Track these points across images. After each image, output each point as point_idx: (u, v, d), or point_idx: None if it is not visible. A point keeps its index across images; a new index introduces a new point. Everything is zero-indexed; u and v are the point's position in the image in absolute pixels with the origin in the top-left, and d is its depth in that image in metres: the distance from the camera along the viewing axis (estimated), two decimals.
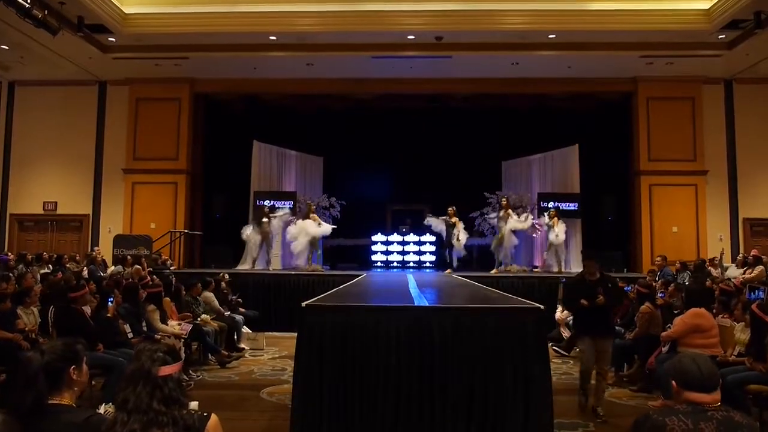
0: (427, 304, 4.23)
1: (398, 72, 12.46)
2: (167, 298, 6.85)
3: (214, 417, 1.99)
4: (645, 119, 12.68)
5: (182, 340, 6.32)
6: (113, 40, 11.20)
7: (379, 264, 14.71)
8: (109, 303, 5.40)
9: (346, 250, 14.76)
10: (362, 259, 14.57)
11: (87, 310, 5.46)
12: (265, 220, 11.71)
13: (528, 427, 3.56)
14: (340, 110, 13.77)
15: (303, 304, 3.81)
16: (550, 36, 10.87)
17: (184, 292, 7.42)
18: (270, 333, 8.91)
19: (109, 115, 13.31)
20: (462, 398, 3.68)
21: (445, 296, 5.08)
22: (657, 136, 12.62)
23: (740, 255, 10.88)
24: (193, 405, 2.28)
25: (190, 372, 6.31)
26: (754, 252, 10.92)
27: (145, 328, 5.97)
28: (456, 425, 3.66)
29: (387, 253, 14.83)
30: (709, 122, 12.73)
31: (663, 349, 5.52)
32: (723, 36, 10.79)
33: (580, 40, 11.00)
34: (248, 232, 11.76)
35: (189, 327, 6.52)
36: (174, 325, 6.49)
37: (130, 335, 5.58)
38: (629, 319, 6.93)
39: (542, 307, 3.82)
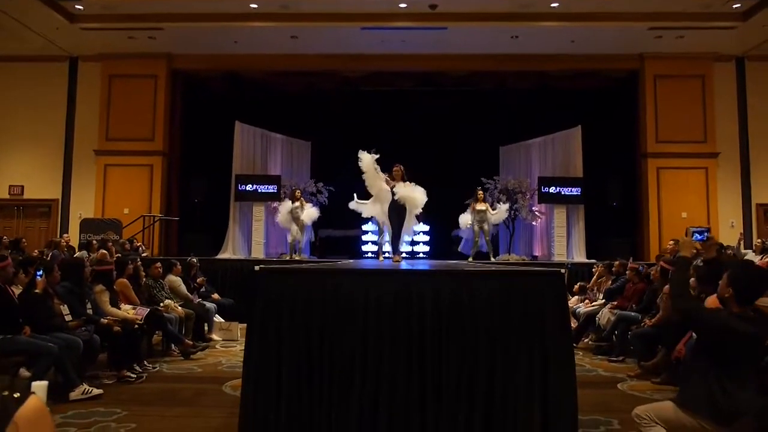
0: (417, 268, 3.41)
1: (389, 47, 11.65)
2: (123, 280, 6.00)
3: (33, 400, 1.14)
4: (652, 98, 11.91)
5: (137, 326, 5.47)
6: (80, 7, 10.37)
7: (370, 254, 13.90)
8: (38, 277, 4.55)
9: (335, 241, 13.93)
10: (353, 249, 13.76)
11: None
12: (296, 204, 10.81)
13: (548, 422, 2.75)
14: (328, 90, 12.94)
15: (257, 268, 2.98)
16: (553, 5, 10.10)
17: (143, 275, 6.56)
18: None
19: (81, 93, 12.43)
20: (462, 384, 2.87)
21: (442, 267, 4.25)
22: (665, 116, 11.85)
23: (758, 240, 10.12)
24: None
25: (145, 363, 5.46)
26: None
27: (90, 311, 5.12)
28: (454, 418, 2.84)
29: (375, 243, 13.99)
30: (720, 102, 11.99)
31: (694, 334, 4.70)
32: (738, 5, 10.05)
33: (586, 10, 10.24)
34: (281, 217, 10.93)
35: (145, 311, 5.66)
36: (127, 309, 5.64)
37: (69, 317, 4.73)
38: (648, 303, 6.13)
39: (563, 270, 3.00)
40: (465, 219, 10.96)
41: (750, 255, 9.65)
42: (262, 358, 2.86)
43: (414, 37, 11.15)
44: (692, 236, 3.88)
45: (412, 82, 12.78)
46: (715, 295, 4.54)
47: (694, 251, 3.25)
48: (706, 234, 3.99)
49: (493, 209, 10.92)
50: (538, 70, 12.22)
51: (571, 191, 11.88)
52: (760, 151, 12.02)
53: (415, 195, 6.72)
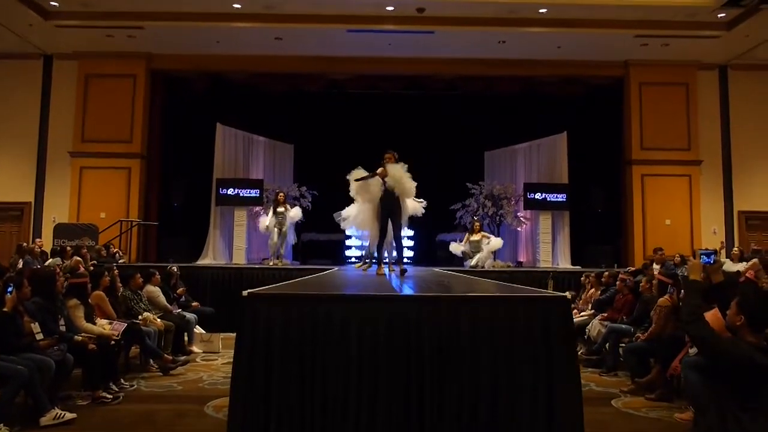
0: (414, 294, 3.24)
1: (376, 50, 11.49)
2: (99, 292, 5.73)
3: None
4: (637, 105, 11.94)
5: (114, 342, 5.21)
6: (56, 4, 9.99)
7: (354, 260, 13.72)
8: (8, 293, 4.26)
9: (318, 245, 13.72)
10: (336, 254, 13.57)
11: None
12: (281, 209, 10.52)
13: None
14: (312, 92, 12.71)
15: (244, 293, 2.78)
16: (541, 10, 10.04)
17: (120, 286, 6.29)
18: (228, 334, 7.76)
19: (55, 92, 12.03)
20: (463, 417, 2.71)
21: (436, 287, 4.09)
22: (649, 123, 11.90)
23: (735, 249, 10.18)
24: None
25: (122, 381, 5.20)
26: (754, 246, 10.32)
27: (63, 327, 4.84)
28: None
29: (362, 248, 13.78)
30: (703, 110, 12.08)
31: (690, 350, 4.61)
32: (723, 14, 10.12)
33: (573, 17, 10.21)
34: (267, 222, 10.60)
35: (122, 326, 5.40)
36: (103, 324, 5.37)
37: (40, 336, 4.46)
38: (639, 315, 6.04)
39: (568, 295, 2.87)
40: (456, 247, 10.78)
41: (728, 264, 9.71)
42: (249, 389, 2.66)
43: (401, 40, 11.00)
44: (700, 258, 3.75)
45: (398, 85, 12.63)
46: (712, 311, 4.46)
47: (703, 274, 3.15)
48: (713, 256, 3.88)
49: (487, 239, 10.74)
50: (524, 76, 12.18)
51: (556, 197, 11.84)
52: (742, 160, 12.13)
53: (403, 176, 5.74)
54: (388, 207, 5.81)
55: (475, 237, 10.53)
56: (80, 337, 4.84)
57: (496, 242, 10.62)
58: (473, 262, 10.34)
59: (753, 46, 11.08)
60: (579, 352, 6.86)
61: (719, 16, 10.17)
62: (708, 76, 12.19)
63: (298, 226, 12.06)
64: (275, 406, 2.65)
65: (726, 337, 2.67)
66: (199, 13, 10.18)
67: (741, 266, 9.17)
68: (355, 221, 6.75)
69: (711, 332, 2.63)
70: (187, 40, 11.13)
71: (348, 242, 13.76)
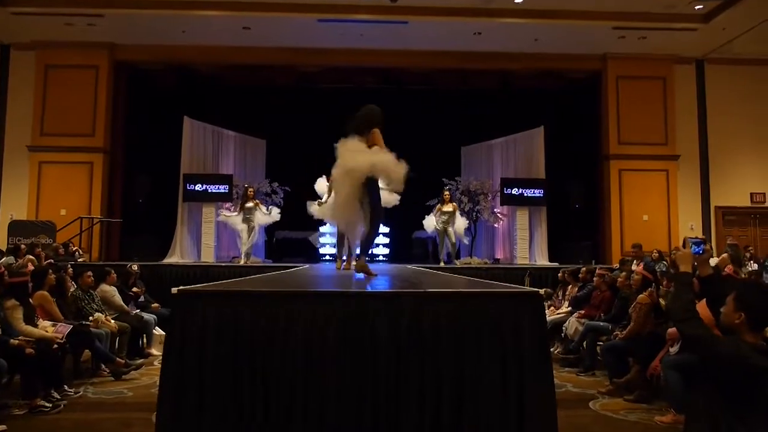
0: (370, 290, 2.93)
1: (348, 41, 11.15)
2: (42, 292, 5.31)
3: None
4: (614, 99, 11.80)
5: (57, 346, 4.81)
6: None
7: (327, 258, 13.38)
8: None
9: (291, 243, 13.35)
10: (309, 252, 13.19)
11: None
12: (250, 204, 10.09)
13: None
14: (284, 85, 12.34)
15: (174, 290, 2.44)
16: (517, 0, 9.80)
17: (71, 285, 5.87)
18: None
19: (13, 84, 11.50)
20: (424, 420, 2.41)
21: (401, 283, 3.78)
22: (627, 117, 11.76)
23: (706, 245, 10.07)
24: None
25: (65, 388, 4.79)
26: (729, 242, 10.23)
27: None
28: None
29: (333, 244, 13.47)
30: (680, 104, 11.99)
31: (671, 349, 4.40)
32: (700, 6, 10.02)
33: (551, 8, 10.00)
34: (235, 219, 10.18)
35: (67, 328, 4.99)
36: (46, 326, 4.96)
37: None
38: (618, 313, 5.82)
39: (541, 291, 2.58)
40: (430, 222, 10.49)
41: None
42: (179, 404, 2.32)
43: (374, 31, 10.69)
44: (690, 247, 3.46)
45: (372, 78, 12.31)
46: (698, 304, 4.22)
47: (695, 264, 2.88)
48: (703, 246, 3.58)
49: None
50: (500, 69, 11.96)
51: (533, 193, 11.64)
52: (719, 155, 12.07)
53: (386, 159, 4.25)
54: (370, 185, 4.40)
55: (447, 208, 10.15)
56: (17, 341, 4.44)
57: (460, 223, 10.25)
58: (449, 229, 9.95)
59: (730, 39, 11.00)
60: (556, 351, 6.64)
61: (696, 8, 10.08)
62: (685, 70, 12.10)
63: (271, 224, 11.69)
64: (208, 414, 2.32)
65: (723, 337, 2.40)
66: (163, 1, 9.75)
67: (712, 262, 9.10)
68: (335, 214, 4.98)
69: (708, 331, 2.36)
70: (151, 30, 10.67)
71: (322, 239, 13.42)
